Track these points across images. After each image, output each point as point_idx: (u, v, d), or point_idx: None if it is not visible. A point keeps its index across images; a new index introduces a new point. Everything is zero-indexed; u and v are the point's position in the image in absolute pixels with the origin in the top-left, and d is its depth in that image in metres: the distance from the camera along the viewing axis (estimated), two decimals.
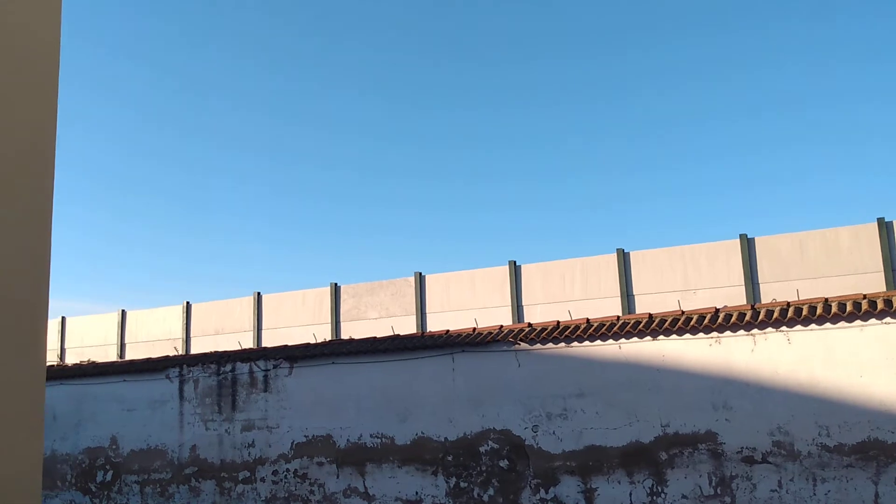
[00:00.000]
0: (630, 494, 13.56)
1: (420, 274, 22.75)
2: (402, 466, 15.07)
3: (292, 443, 15.98)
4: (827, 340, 12.72)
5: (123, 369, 18.15)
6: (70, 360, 27.32)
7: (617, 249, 20.57)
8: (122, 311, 27.94)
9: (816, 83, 38.87)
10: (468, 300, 21.92)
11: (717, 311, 13.85)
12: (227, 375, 16.75)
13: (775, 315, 13.13)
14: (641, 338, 13.92)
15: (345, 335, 22.23)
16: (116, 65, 50.03)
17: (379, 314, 22.90)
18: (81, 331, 28.66)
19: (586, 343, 14.28)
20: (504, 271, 21.79)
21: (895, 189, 38.88)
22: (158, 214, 52.58)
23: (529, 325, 15.21)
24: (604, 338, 14.16)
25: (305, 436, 15.89)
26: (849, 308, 12.64)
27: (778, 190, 41.94)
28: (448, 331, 15.97)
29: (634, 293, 20.19)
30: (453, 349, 15.06)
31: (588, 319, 14.71)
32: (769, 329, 13.09)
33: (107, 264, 52.49)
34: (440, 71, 47.00)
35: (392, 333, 17.09)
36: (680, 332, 13.64)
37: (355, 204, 49.45)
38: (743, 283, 18.49)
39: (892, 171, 39.19)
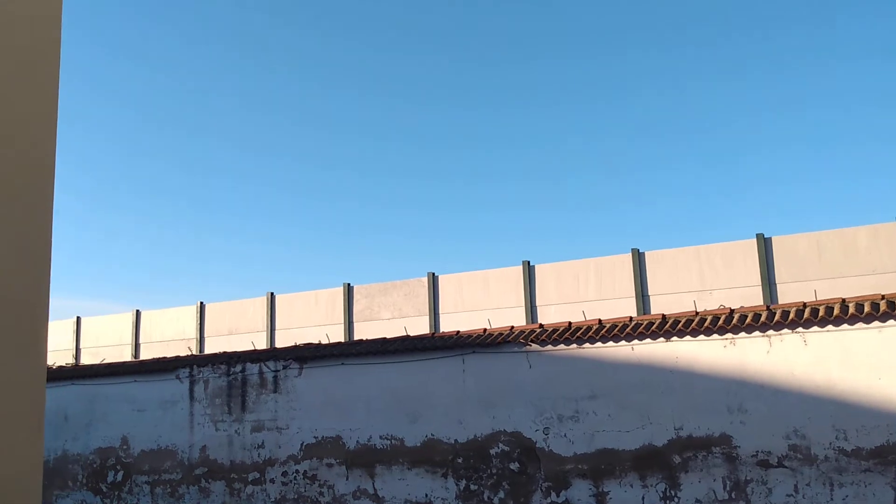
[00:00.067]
0: (643, 498, 13.33)
1: (433, 274, 22.61)
2: (412, 468, 14.91)
3: (302, 444, 15.86)
4: (844, 342, 12.45)
5: (134, 369, 18.11)
6: (85, 360, 27.39)
7: (632, 249, 20.34)
8: (137, 311, 27.99)
9: (836, 83, 38.44)
10: (481, 301, 21.76)
11: (732, 311, 13.60)
12: (237, 376, 16.66)
13: (791, 316, 12.87)
14: (655, 339, 13.69)
15: (358, 335, 22.12)
16: (125, 67, 50.23)
17: (392, 314, 22.77)
18: (96, 331, 28.73)
19: (598, 344, 14.07)
20: (518, 272, 21.60)
21: None
22: (172, 215, 52.79)
23: (541, 325, 15.01)
24: (616, 339, 13.94)
25: (315, 437, 15.76)
26: (867, 309, 12.37)
27: (795, 189, 41.55)
28: (458, 332, 15.81)
29: (649, 294, 19.96)
30: (464, 350, 14.89)
31: (600, 320, 14.50)
32: (785, 330, 12.83)
33: (122, 265, 52.74)
34: (456, 70, 46.87)
35: (404, 334, 16.93)
36: (694, 334, 13.40)
37: (368, 204, 49.42)
38: (760, 283, 18.22)
39: None
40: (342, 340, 20.23)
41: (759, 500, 12.57)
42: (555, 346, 14.28)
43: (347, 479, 15.38)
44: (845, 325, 12.46)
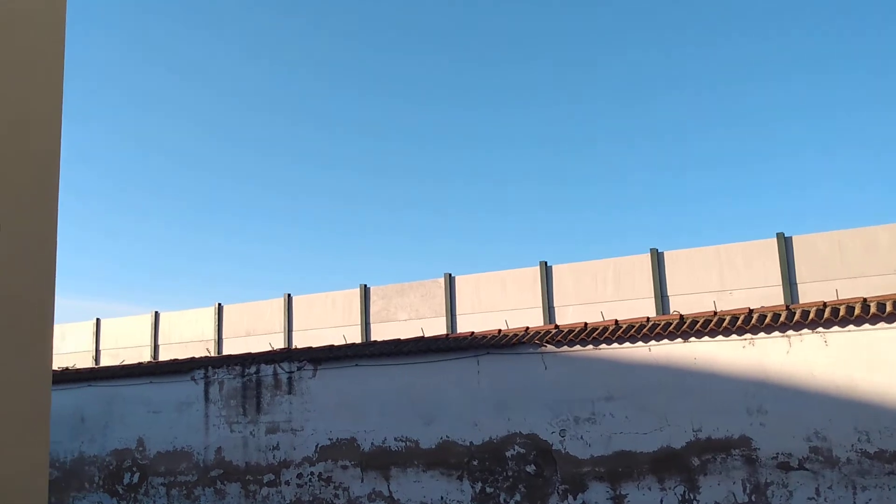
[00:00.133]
0: (661, 501, 13.13)
1: (450, 275, 22.48)
2: (427, 471, 14.78)
3: (316, 445, 15.77)
4: (866, 342, 12.19)
5: (150, 371, 18.10)
6: (105, 361, 27.47)
7: (650, 249, 20.12)
8: (156, 312, 28.06)
9: (856, 87, 38.01)
10: (498, 301, 21.60)
11: (751, 311, 13.37)
12: (252, 377, 16.60)
13: (811, 316, 12.63)
14: (672, 339, 13.48)
15: (374, 337, 22.03)
16: (151, 69, 50.46)
17: (409, 315, 22.66)
18: (116, 333, 28.84)
19: (615, 345, 13.88)
20: (535, 272, 21.43)
21: None
22: (189, 218, 53.02)
23: (556, 326, 14.84)
24: (633, 339, 13.74)
25: (329, 438, 15.67)
26: (888, 308, 12.11)
27: (815, 190, 41.13)
28: (473, 332, 15.66)
29: (669, 294, 19.73)
30: (478, 351, 14.74)
31: (617, 321, 14.30)
32: (805, 330, 12.59)
33: (141, 267, 53.02)
34: (466, 70, 46.74)
35: (421, 335, 16.81)
36: (712, 334, 13.18)
37: (384, 206, 49.39)
38: (780, 283, 17.95)
39: None
40: (358, 342, 20.13)
41: None
42: (571, 346, 14.11)
43: (362, 481, 15.27)
44: (867, 325, 12.21)
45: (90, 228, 53.88)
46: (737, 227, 43.76)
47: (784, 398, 12.52)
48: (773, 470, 12.46)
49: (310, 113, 50.41)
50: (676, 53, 42.42)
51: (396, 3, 46.40)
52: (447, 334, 16.65)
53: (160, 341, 27.64)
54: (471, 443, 14.52)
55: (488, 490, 14.29)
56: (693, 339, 13.30)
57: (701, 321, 13.47)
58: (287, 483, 15.95)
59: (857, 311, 12.34)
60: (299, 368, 16.17)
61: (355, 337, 22.39)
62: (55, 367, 27.80)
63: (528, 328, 15.06)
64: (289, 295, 25.15)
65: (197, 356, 19.13)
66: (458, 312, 22.06)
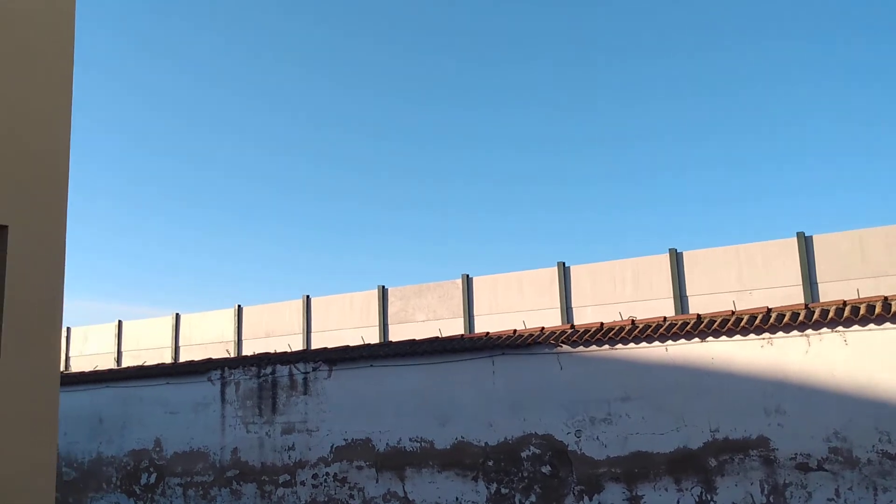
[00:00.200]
0: (677, 502, 12.96)
1: (467, 276, 22.42)
2: (442, 471, 14.69)
3: (332, 446, 15.73)
4: (887, 341, 11.97)
5: (167, 372, 18.15)
6: (127, 362, 27.65)
7: (669, 249, 19.95)
8: (177, 314, 28.22)
9: (882, 89, 37.57)
10: (516, 302, 21.51)
11: (769, 310, 13.17)
12: (268, 378, 16.60)
13: (831, 315, 12.42)
14: (689, 339, 13.31)
15: (392, 338, 21.99)
16: (170, 72, 50.77)
17: (426, 317, 22.62)
18: (138, 334, 29.04)
19: (631, 345, 13.73)
20: (553, 273, 21.32)
21: None
22: (209, 221, 53.37)
23: (572, 326, 14.72)
24: (649, 339, 13.58)
25: (345, 439, 15.62)
26: None
27: (836, 190, 40.70)
28: (488, 333, 15.56)
29: (688, 294, 19.55)
30: (493, 351, 14.64)
31: (633, 320, 14.15)
32: (824, 329, 12.38)
33: (162, 269, 53.40)
34: (467, 70, 46.64)
35: (437, 336, 16.74)
36: (730, 333, 13.00)
37: (402, 207, 49.41)
38: (801, 283, 17.73)
39: None
40: (373, 342, 20.09)
41: None
42: (586, 346, 13.98)
43: (377, 481, 15.21)
44: (888, 324, 11.99)
45: (113, 232, 54.34)
46: (757, 226, 43.42)
47: (803, 398, 12.32)
48: (791, 471, 12.26)
49: (327, 114, 50.60)
50: (696, 55, 42.15)
51: (397, 3, 46.49)
52: (462, 335, 16.58)
53: (181, 343, 27.79)
54: (486, 443, 14.42)
55: (503, 491, 14.18)
56: (710, 338, 13.13)
57: (718, 321, 13.30)
58: (302, 483, 15.92)
59: (877, 310, 12.11)
60: (315, 369, 16.14)
61: (373, 338, 22.37)
62: (77, 368, 28.04)
63: (543, 328, 14.94)
64: (307, 296, 25.19)
65: (210, 357, 19.17)
66: (475, 313, 21.99)
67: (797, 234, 18.09)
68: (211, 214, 53.24)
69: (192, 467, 17.18)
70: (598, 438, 13.61)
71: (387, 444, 15.21)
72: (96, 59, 48.41)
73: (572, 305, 20.79)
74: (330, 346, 17.76)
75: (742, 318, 13.10)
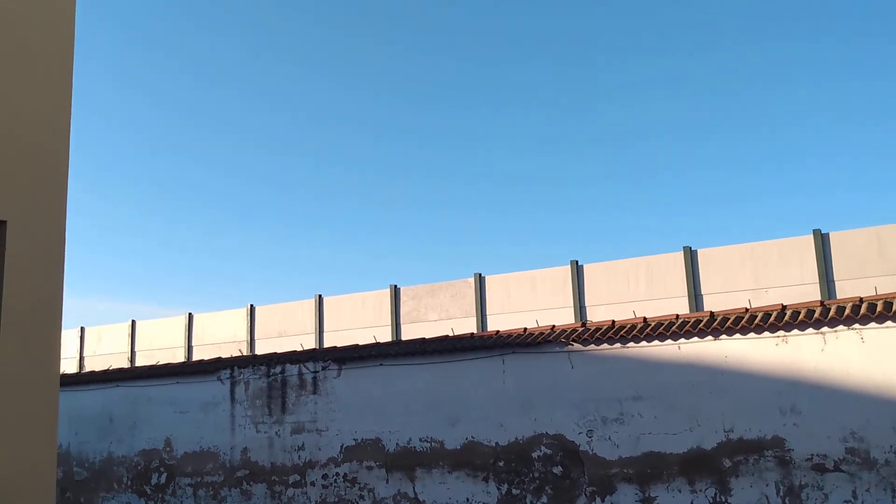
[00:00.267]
0: (691, 503, 12.75)
1: (480, 275, 22.24)
2: (453, 472, 14.52)
3: (341, 446, 15.60)
4: None
5: (177, 371, 18.08)
6: (140, 362, 27.64)
7: (684, 247, 19.70)
8: (189, 314, 28.19)
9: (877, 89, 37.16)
10: (529, 301, 21.31)
11: (784, 308, 12.93)
12: (277, 377, 16.49)
13: (847, 312, 12.17)
14: (702, 337, 13.09)
15: (405, 337, 21.84)
16: (181, 75, 50.87)
17: (439, 316, 22.46)
18: (151, 334, 29.04)
19: (643, 343, 13.52)
20: (566, 271, 21.11)
21: None
22: (222, 221, 53.46)
23: (583, 324, 14.51)
24: (662, 338, 13.37)
25: (354, 439, 15.49)
26: None
27: (854, 189, 40.28)
28: (498, 331, 15.39)
29: (703, 293, 19.30)
30: (504, 350, 14.46)
31: (645, 318, 13.95)
32: (840, 327, 12.13)
33: (175, 269, 53.55)
34: (500, 71, 46.45)
35: (447, 335, 16.57)
36: (744, 332, 12.77)
37: (414, 206, 49.30)
38: (817, 280, 17.45)
39: None
40: (383, 341, 19.95)
41: None
42: (598, 345, 13.78)
43: (387, 482, 15.06)
44: None
45: (127, 232, 54.51)
46: (772, 224, 43.05)
47: (819, 397, 12.08)
48: (807, 472, 12.02)
49: (327, 114, 50.60)
50: (696, 55, 41.84)
51: (397, 3, 46.39)
52: (472, 333, 16.40)
53: (194, 342, 27.76)
54: (496, 443, 14.25)
55: (514, 492, 14.00)
56: (724, 336, 12.91)
57: (732, 318, 13.06)
58: (312, 484, 15.80)
59: (894, 307, 11.86)
60: (324, 368, 16.02)
61: (386, 338, 22.23)
62: (90, 368, 28.06)
63: (553, 326, 14.75)
64: (320, 296, 25.09)
65: (220, 356, 19.09)
66: (488, 313, 21.81)
67: (813, 231, 17.82)
68: (224, 215, 53.39)
69: (202, 467, 17.10)
70: (609, 438, 13.41)
71: (397, 443, 15.06)
72: (96, 59, 48.54)
73: (586, 304, 20.57)
74: (344, 345, 17.63)
75: (756, 316, 12.86)
